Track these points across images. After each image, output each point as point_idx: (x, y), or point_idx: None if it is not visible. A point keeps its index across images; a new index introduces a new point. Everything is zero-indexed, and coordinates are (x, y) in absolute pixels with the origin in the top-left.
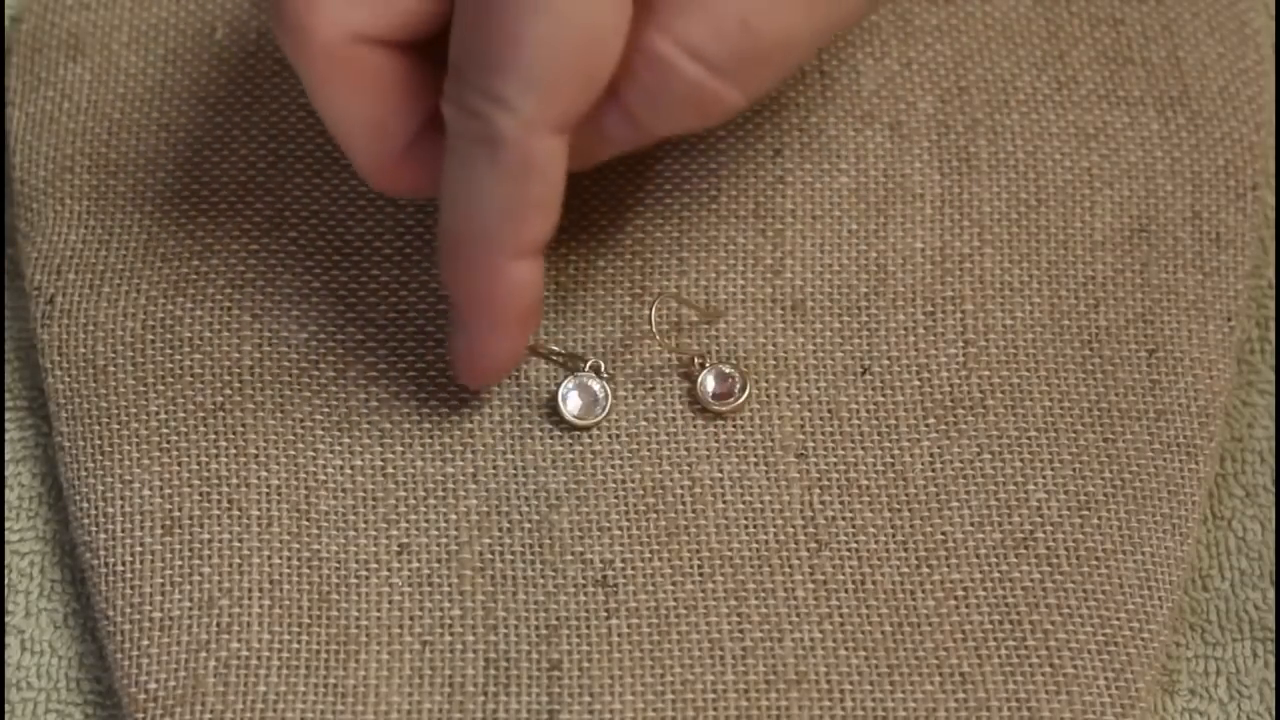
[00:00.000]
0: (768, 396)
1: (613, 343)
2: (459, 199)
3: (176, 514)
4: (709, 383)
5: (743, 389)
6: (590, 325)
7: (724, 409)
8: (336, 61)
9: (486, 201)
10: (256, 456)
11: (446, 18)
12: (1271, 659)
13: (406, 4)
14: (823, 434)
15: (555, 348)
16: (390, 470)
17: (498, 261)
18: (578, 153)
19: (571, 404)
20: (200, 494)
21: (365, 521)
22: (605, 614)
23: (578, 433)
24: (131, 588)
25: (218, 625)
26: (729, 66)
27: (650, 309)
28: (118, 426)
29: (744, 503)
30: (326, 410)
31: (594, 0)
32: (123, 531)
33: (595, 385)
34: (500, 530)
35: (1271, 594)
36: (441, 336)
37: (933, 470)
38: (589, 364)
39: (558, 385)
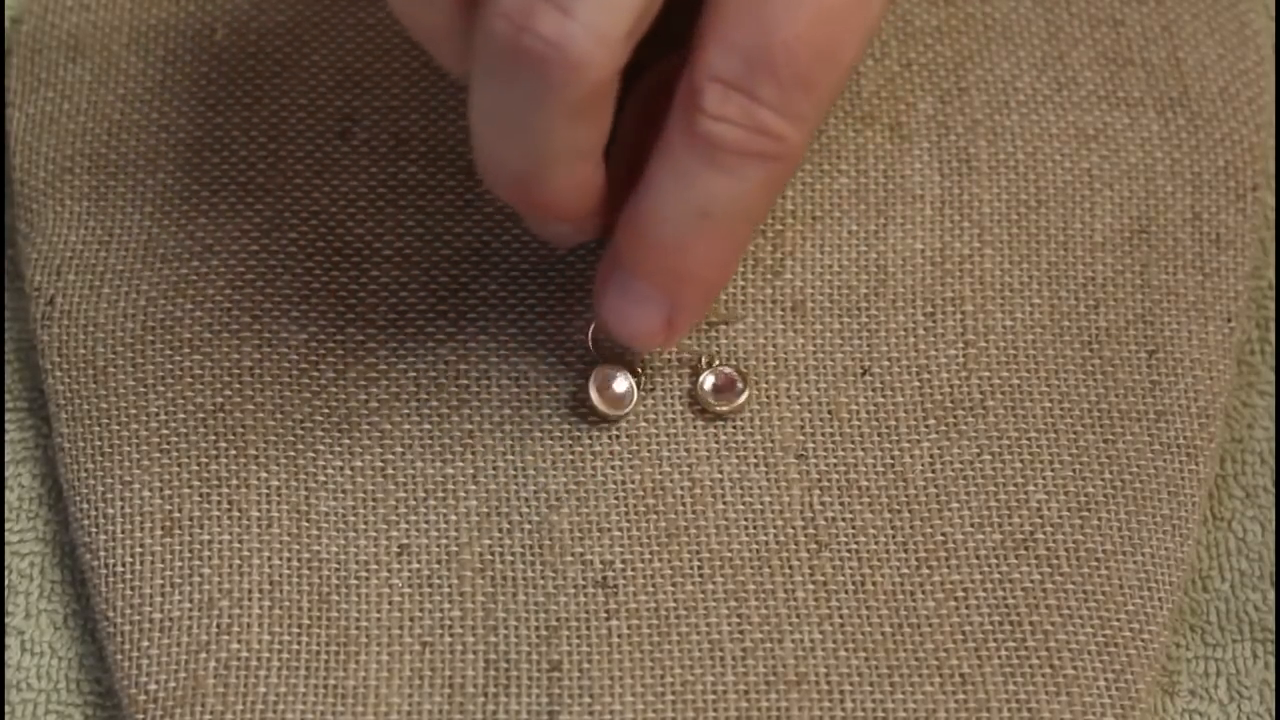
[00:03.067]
0: (768, 397)
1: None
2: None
3: (176, 515)
4: (709, 383)
5: (743, 389)
6: (589, 326)
7: (724, 409)
8: (605, 95)
9: (758, 205)
10: (256, 458)
11: None
12: (1271, 660)
13: (650, 20)
14: (823, 435)
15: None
16: (390, 471)
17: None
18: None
19: (598, 397)
20: (200, 495)
21: (365, 522)
22: (605, 615)
23: (578, 434)
24: (131, 589)
25: (218, 626)
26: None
27: None
28: (118, 428)
29: (744, 504)
30: (326, 411)
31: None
32: (123, 532)
33: (622, 379)
34: (500, 531)
35: (1271, 595)
36: (443, 337)
37: (933, 471)
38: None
39: (586, 377)
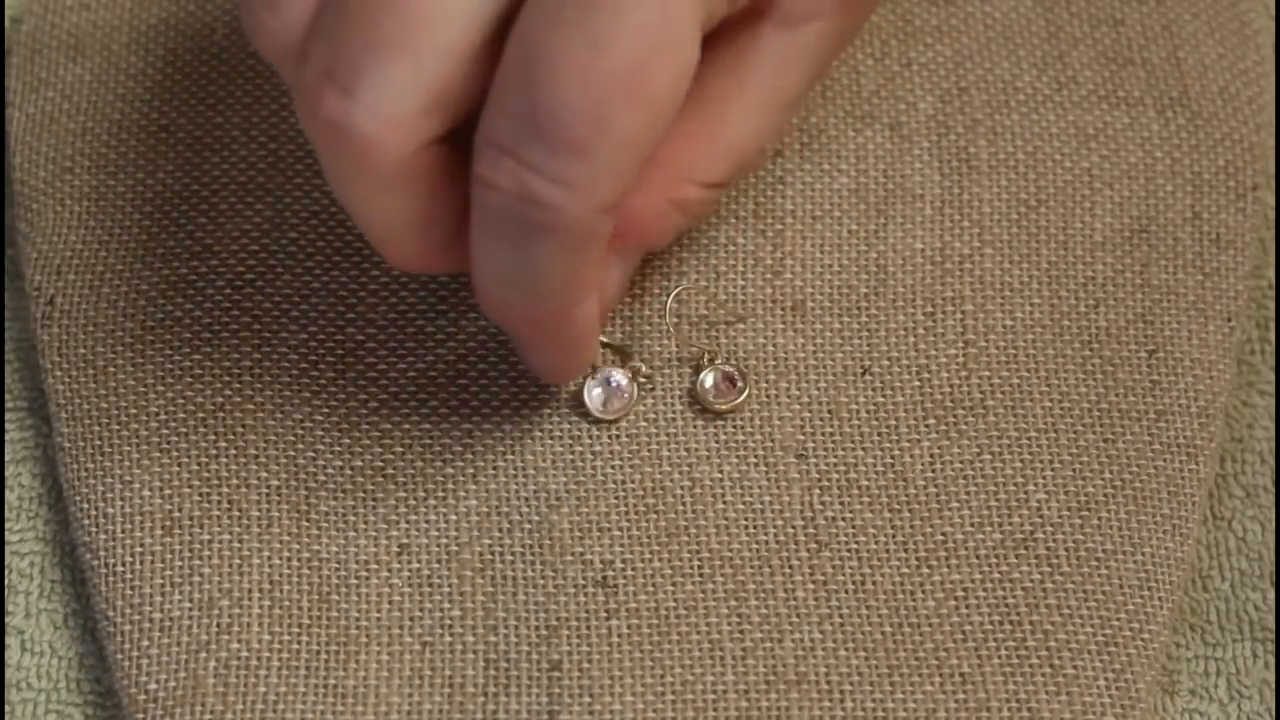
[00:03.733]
0: (768, 397)
1: (613, 343)
2: (506, 273)
3: (176, 514)
4: (709, 382)
5: (743, 388)
6: None
7: (724, 408)
8: (406, 171)
9: (541, 275)
10: (256, 457)
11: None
12: (1271, 660)
13: (469, 97)
14: (823, 434)
15: (604, 339)
16: (390, 471)
17: (558, 315)
18: None
19: (596, 399)
20: (200, 494)
21: (365, 522)
22: (605, 614)
23: (578, 434)
24: (131, 588)
25: (218, 626)
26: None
27: (669, 301)
28: (118, 427)
29: (744, 503)
30: (326, 411)
31: (678, 86)
32: (123, 532)
33: (622, 379)
34: (500, 531)
35: (1271, 595)
36: (442, 337)
37: (933, 471)
38: (629, 364)
39: (583, 379)
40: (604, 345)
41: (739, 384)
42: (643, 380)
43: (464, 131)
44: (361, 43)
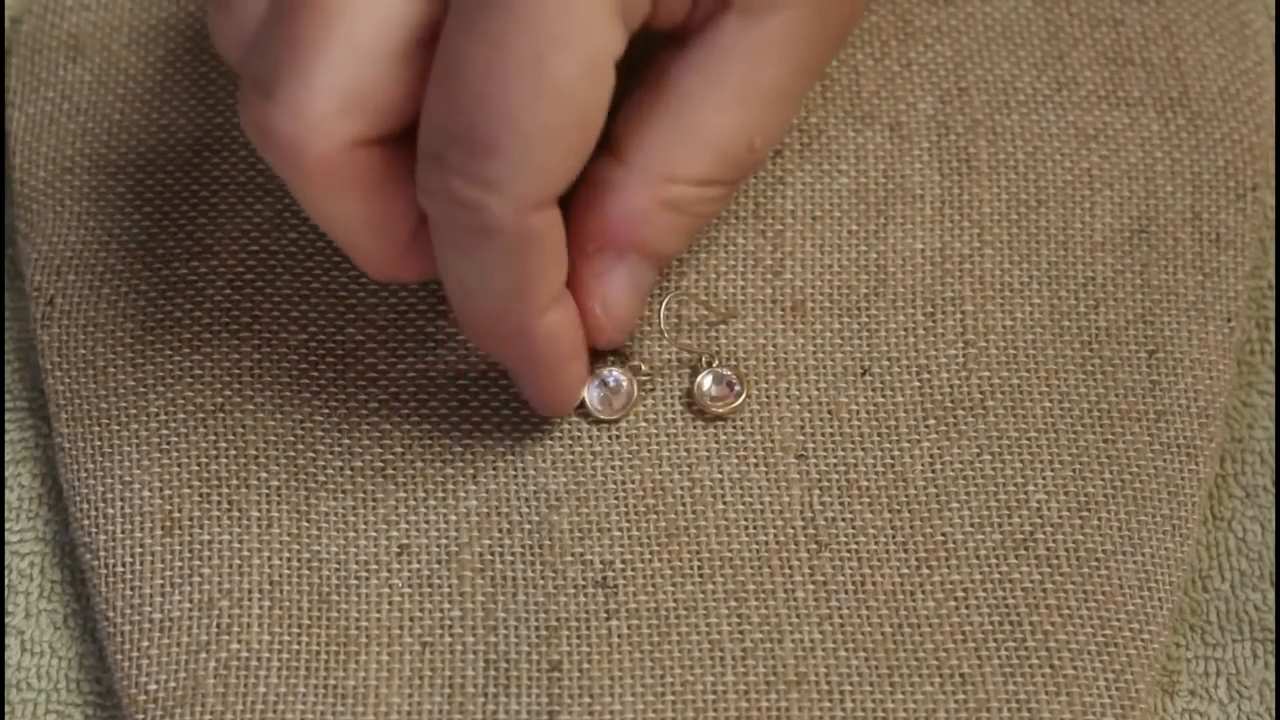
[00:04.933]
0: (767, 397)
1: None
2: (463, 282)
3: (176, 515)
4: (707, 384)
5: (740, 391)
6: None
7: (721, 411)
8: (336, 173)
9: (492, 282)
10: (256, 458)
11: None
12: (1271, 660)
13: (394, 99)
14: (822, 435)
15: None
16: (390, 471)
17: (524, 325)
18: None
19: (596, 399)
20: (200, 495)
21: (365, 522)
22: (605, 615)
23: (578, 434)
24: (131, 589)
25: (218, 626)
26: (736, 178)
27: (660, 306)
28: (118, 427)
29: (744, 504)
30: (326, 411)
31: (586, 77)
32: (123, 532)
33: (621, 378)
34: (500, 531)
35: (1271, 595)
36: (442, 337)
37: (933, 471)
38: (629, 363)
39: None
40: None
41: (736, 388)
42: (643, 379)
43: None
44: (282, 45)
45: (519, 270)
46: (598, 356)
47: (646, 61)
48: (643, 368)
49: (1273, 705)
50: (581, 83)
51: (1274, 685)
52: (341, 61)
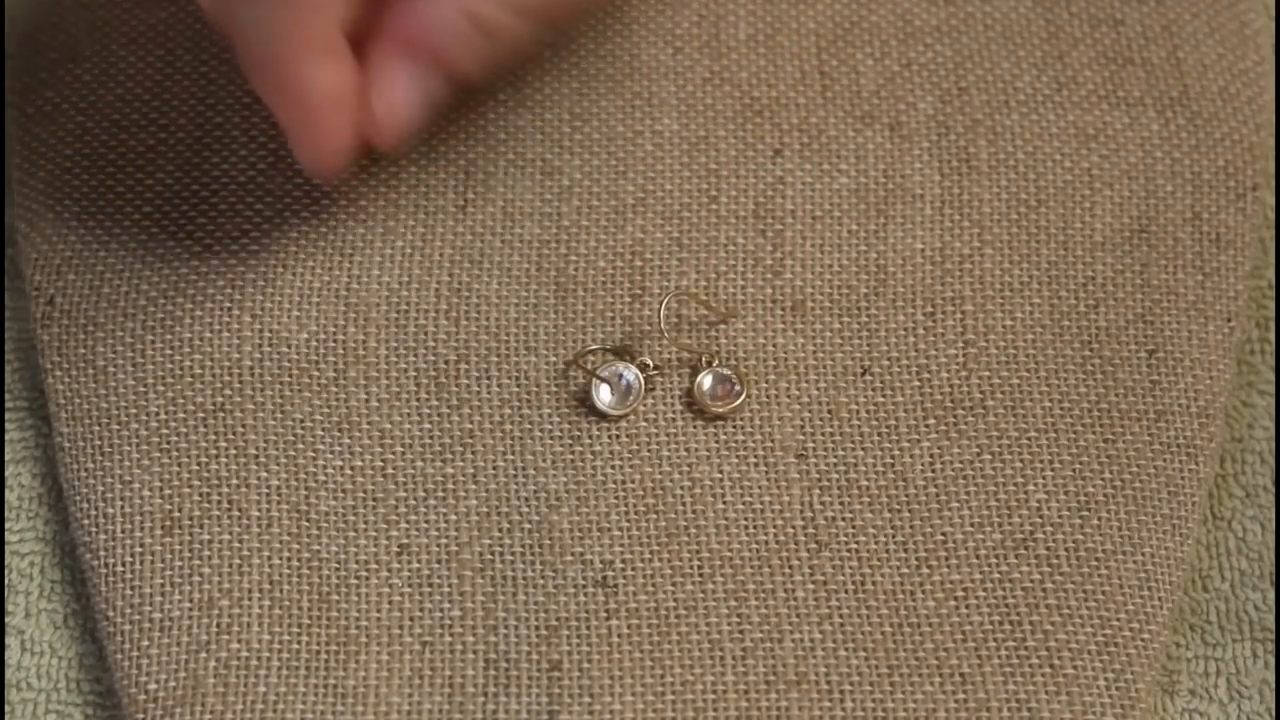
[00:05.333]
0: (768, 397)
1: (613, 343)
2: (244, 30)
3: (176, 514)
4: (707, 384)
5: (740, 390)
6: (590, 325)
7: (722, 410)
8: None
9: (263, 23)
10: (256, 457)
11: None
12: (1271, 659)
13: None
14: (823, 434)
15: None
16: (390, 471)
17: (291, 70)
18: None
19: (604, 395)
20: (200, 494)
21: (365, 522)
22: (605, 614)
23: (578, 434)
24: (131, 588)
25: (218, 626)
26: (545, 12)
27: (661, 306)
28: (118, 427)
29: (744, 503)
30: (326, 411)
31: None
32: (123, 532)
33: (631, 379)
34: (500, 531)
35: (1271, 594)
36: (443, 336)
37: (933, 471)
38: (638, 360)
39: (590, 376)
40: (606, 350)
41: (736, 388)
42: (653, 374)
43: None
44: None
45: (283, 11)
46: (606, 355)
47: None
48: (650, 364)
49: (1273, 705)
50: None
51: (1274, 685)
52: None
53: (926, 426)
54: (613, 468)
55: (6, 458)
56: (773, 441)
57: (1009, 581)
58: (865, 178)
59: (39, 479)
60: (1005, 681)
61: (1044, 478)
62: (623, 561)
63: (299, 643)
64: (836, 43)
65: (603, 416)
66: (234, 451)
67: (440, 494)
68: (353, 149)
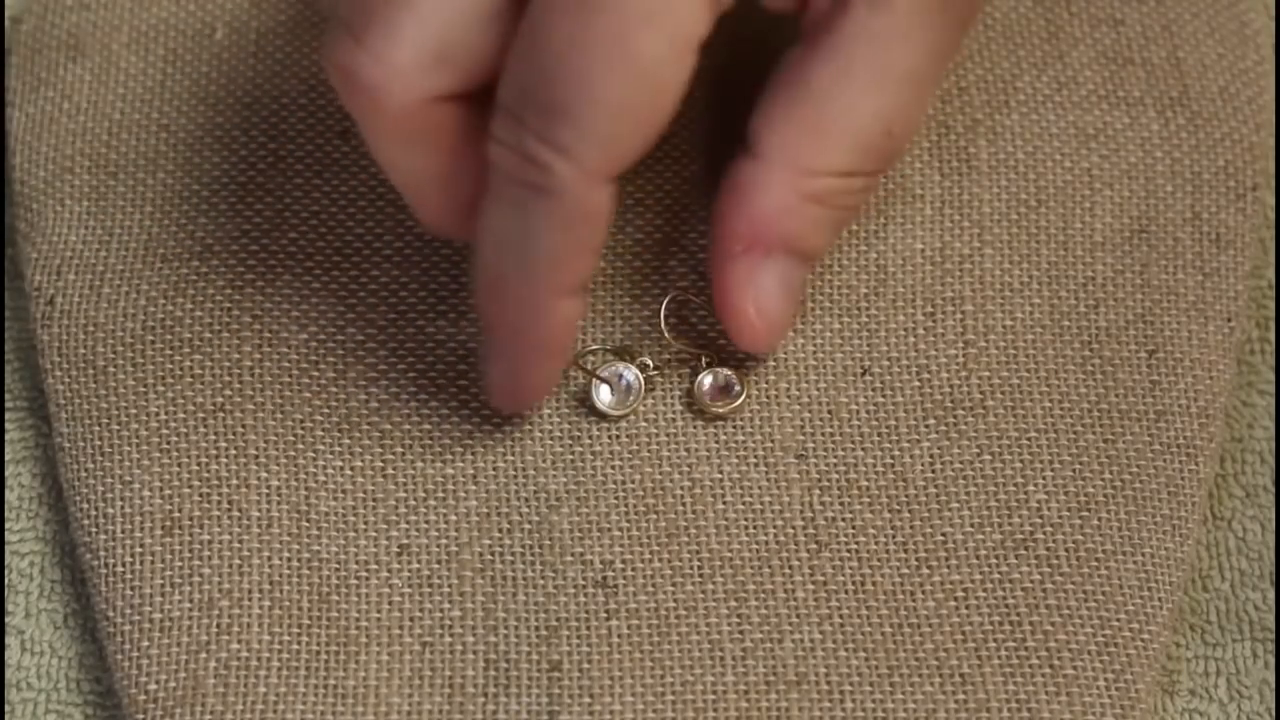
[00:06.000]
0: (767, 397)
1: (613, 343)
2: (505, 240)
3: (176, 515)
4: (706, 384)
5: (740, 391)
6: (590, 326)
7: (722, 410)
8: (413, 124)
9: (535, 245)
10: (256, 457)
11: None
12: (1271, 659)
13: (480, 58)
14: (822, 435)
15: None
16: (390, 471)
17: (542, 300)
18: None
19: (604, 395)
20: (200, 495)
21: (365, 523)
22: (605, 615)
23: (578, 434)
24: (131, 588)
25: (218, 626)
26: (878, 168)
27: (661, 306)
28: (118, 427)
29: (744, 504)
30: (326, 411)
31: (669, 56)
32: (123, 532)
33: (631, 379)
34: (500, 531)
35: (1271, 594)
36: (443, 337)
37: (933, 471)
38: (638, 360)
39: (590, 376)
40: (606, 350)
41: (736, 388)
42: (652, 374)
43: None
44: None
45: (563, 240)
46: (607, 355)
47: (776, 60)
48: (650, 364)
49: (1273, 705)
50: (663, 63)
51: (1274, 685)
52: (432, 16)
53: (926, 427)
54: (613, 468)
55: (6, 458)
56: (773, 442)
57: (1009, 582)
58: None
59: (39, 479)
60: (1005, 682)
61: (1044, 478)
62: (623, 562)
63: (299, 643)
64: None
65: (603, 417)
66: (234, 452)
67: (440, 494)
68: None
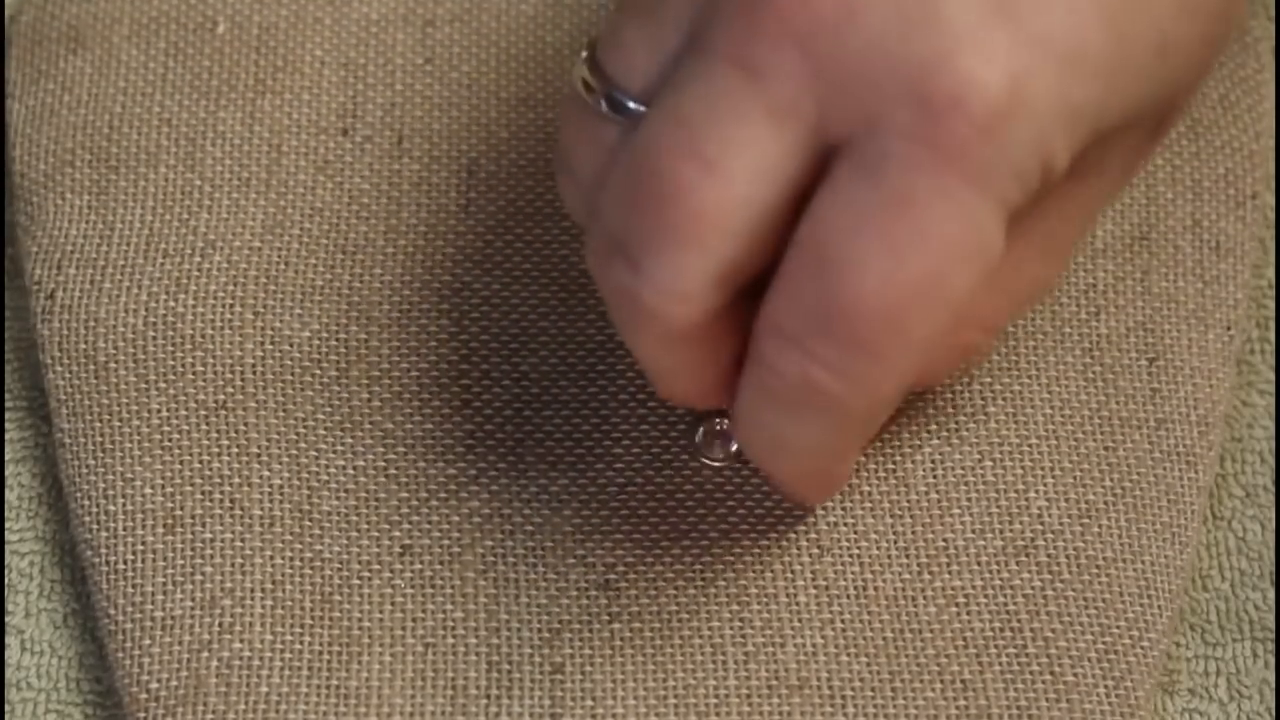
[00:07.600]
0: None
1: (614, 344)
2: (779, 439)
3: (178, 513)
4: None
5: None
6: (591, 326)
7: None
8: (690, 336)
9: (814, 444)
10: (259, 456)
11: None
12: (1271, 659)
13: (759, 267)
14: None
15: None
16: (393, 471)
17: (837, 473)
18: None
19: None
20: (202, 493)
21: (368, 523)
22: (608, 618)
23: (580, 435)
24: (133, 587)
25: (219, 625)
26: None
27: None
28: (119, 424)
29: (745, 508)
30: (329, 410)
31: (977, 288)
32: (124, 530)
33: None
34: (503, 533)
35: (1271, 594)
36: (445, 336)
37: (934, 477)
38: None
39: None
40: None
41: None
42: None
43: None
44: (651, 227)
45: (842, 440)
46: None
47: None
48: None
49: (1273, 705)
50: (971, 294)
51: (1274, 685)
52: (714, 250)
53: (928, 433)
54: (615, 471)
55: (6, 457)
56: None
57: (1010, 588)
58: None
59: (39, 478)
60: (1006, 688)
61: (1045, 485)
62: (625, 565)
63: (301, 643)
64: None
65: (708, 462)
66: (236, 450)
67: (443, 495)
68: None
